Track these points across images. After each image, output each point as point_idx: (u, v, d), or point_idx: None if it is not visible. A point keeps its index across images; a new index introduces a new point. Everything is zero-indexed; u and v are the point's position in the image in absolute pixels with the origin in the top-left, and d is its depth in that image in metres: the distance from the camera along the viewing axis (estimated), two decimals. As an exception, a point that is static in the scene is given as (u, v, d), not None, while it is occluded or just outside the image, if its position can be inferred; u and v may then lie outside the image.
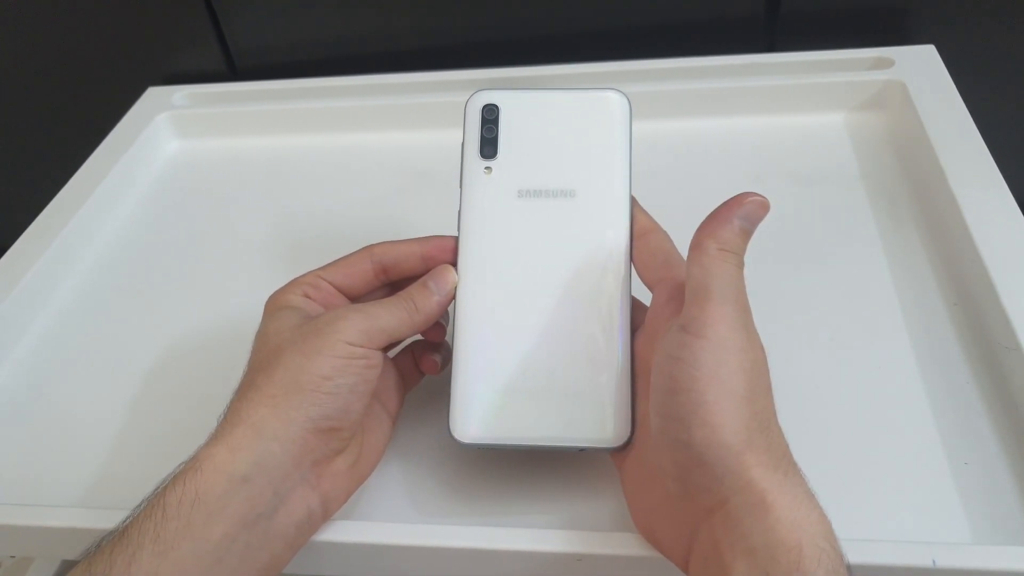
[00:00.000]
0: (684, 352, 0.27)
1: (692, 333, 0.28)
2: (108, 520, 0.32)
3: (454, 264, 0.35)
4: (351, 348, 0.31)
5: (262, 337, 0.33)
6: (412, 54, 0.65)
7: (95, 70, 0.69)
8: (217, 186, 0.59)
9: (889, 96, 0.54)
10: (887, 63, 0.55)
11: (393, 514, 0.35)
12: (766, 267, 0.45)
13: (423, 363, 0.37)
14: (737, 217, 0.29)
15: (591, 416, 0.32)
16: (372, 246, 0.36)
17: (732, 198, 0.30)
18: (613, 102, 0.36)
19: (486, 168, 0.36)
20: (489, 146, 0.36)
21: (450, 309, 0.35)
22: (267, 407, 0.30)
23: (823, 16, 0.59)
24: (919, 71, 0.54)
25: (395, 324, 0.33)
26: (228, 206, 0.57)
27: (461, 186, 0.36)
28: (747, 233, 0.30)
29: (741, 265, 0.30)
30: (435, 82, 0.60)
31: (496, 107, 0.36)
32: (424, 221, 0.52)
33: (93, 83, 0.70)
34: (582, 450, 0.33)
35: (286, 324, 0.33)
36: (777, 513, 0.25)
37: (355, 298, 0.36)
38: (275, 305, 0.35)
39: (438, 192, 0.55)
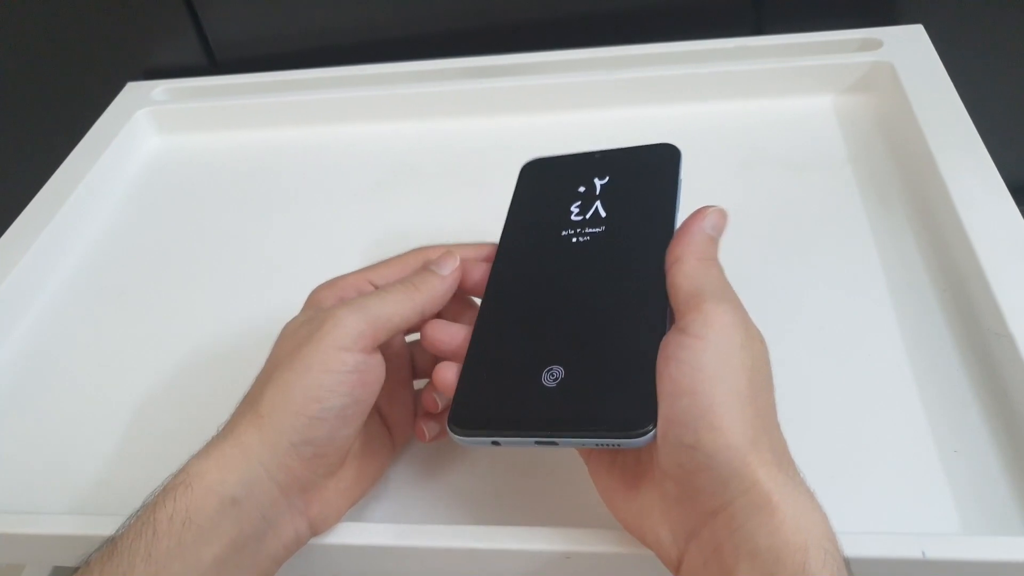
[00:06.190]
0: (685, 354, 0.27)
1: (691, 335, 0.27)
2: (100, 527, 0.31)
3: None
4: (344, 357, 0.29)
5: (277, 341, 0.32)
6: (395, 43, 0.64)
7: (72, 65, 0.68)
8: (200, 182, 0.58)
9: (877, 78, 0.53)
10: (875, 44, 0.54)
11: (383, 515, 0.35)
12: (752, 253, 0.45)
13: (423, 397, 0.35)
14: (705, 228, 0.31)
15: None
16: (425, 252, 0.35)
17: (694, 212, 0.32)
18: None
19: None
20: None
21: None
22: (255, 428, 0.29)
23: (810, -3, 0.59)
24: (907, 52, 0.53)
25: (394, 310, 0.31)
26: (211, 202, 0.56)
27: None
28: (715, 241, 0.32)
29: (722, 269, 0.31)
30: (420, 71, 0.60)
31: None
32: (412, 213, 0.52)
33: (70, 79, 0.69)
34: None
35: (292, 329, 0.31)
36: (782, 514, 0.25)
37: None
38: (306, 306, 0.33)
39: (425, 183, 0.54)
